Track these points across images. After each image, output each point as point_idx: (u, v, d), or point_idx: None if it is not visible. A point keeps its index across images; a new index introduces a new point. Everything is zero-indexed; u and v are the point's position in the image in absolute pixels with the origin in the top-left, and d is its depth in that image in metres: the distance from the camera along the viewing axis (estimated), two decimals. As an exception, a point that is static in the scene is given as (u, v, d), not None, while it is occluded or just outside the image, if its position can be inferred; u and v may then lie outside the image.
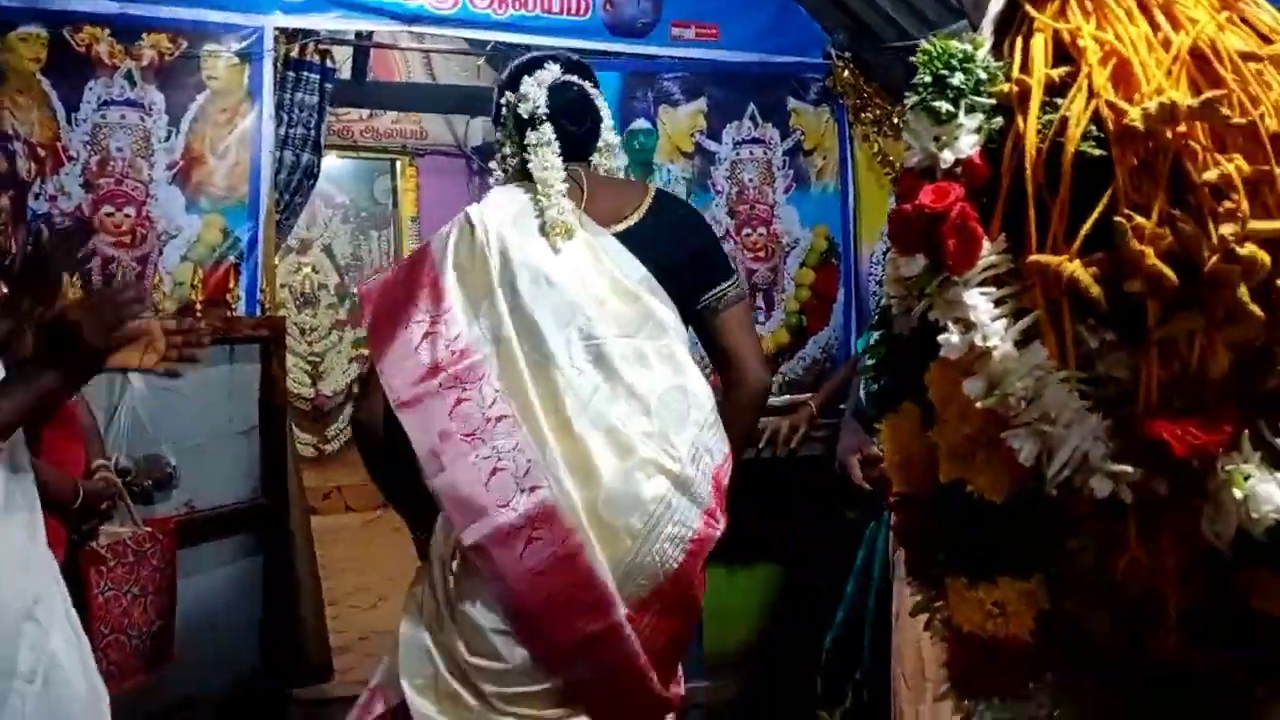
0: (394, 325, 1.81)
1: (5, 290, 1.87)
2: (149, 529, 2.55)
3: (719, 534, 1.82)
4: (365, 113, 6.04)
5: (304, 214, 3.83)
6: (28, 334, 1.98)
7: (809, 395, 3.36)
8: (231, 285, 3.36)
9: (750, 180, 3.56)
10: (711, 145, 3.54)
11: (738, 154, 3.56)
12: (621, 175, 2.06)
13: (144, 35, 3.20)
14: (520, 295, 1.76)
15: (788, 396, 3.49)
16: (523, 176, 1.92)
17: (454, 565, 1.76)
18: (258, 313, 3.39)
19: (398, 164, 6.46)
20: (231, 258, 3.35)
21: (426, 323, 1.78)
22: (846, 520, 2.85)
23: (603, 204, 1.89)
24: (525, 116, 1.90)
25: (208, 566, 3.09)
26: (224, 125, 3.32)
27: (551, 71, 1.93)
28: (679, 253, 1.89)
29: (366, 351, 7.06)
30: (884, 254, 3.52)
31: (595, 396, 1.74)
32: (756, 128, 3.56)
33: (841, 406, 2.95)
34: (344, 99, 4.27)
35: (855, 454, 2.54)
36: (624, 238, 1.86)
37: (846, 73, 3.55)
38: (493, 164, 2.03)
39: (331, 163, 6.04)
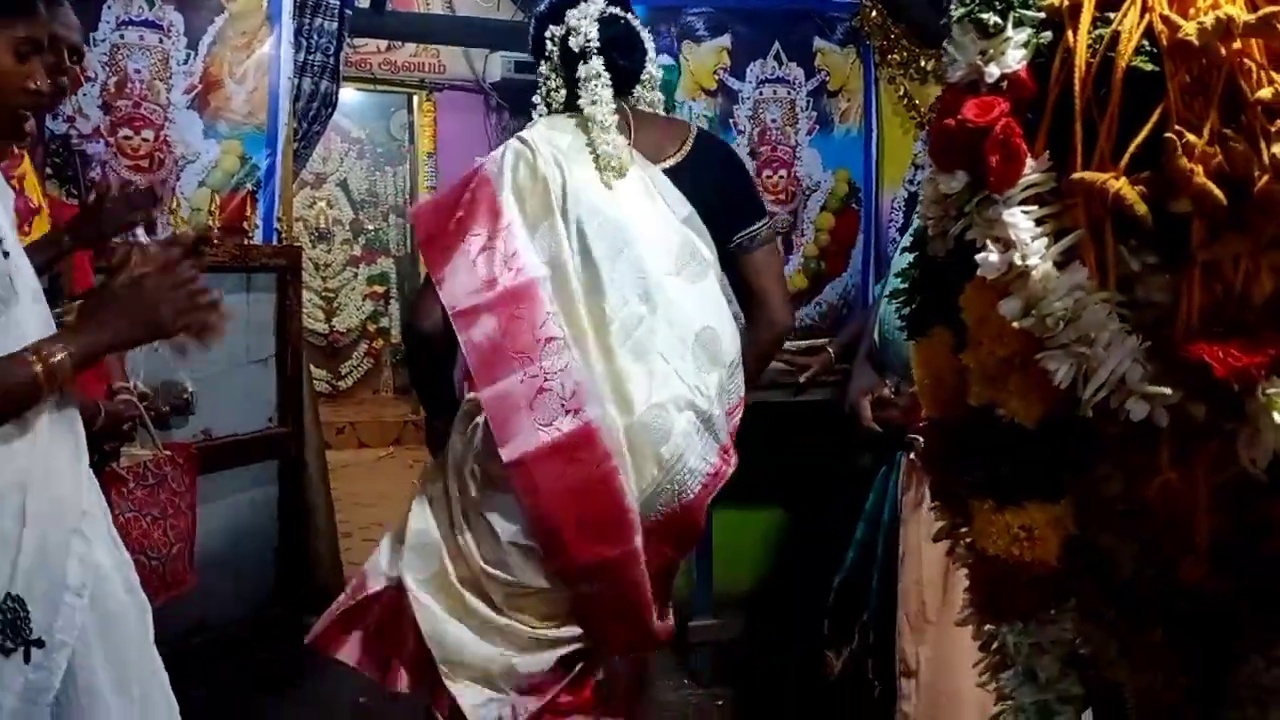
0: (451, 239, 1.83)
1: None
2: (169, 453, 2.57)
3: (731, 470, 1.89)
4: (383, 45, 5.96)
5: (319, 148, 3.81)
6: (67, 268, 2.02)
7: (826, 340, 3.35)
8: (248, 213, 3.35)
9: (773, 121, 3.50)
10: (735, 83, 3.48)
11: (761, 93, 3.50)
12: (661, 110, 2.06)
13: (163, -46, 3.16)
14: (578, 222, 1.79)
15: (805, 341, 3.47)
16: (568, 110, 1.93)
17: (475, 470, 1.79)
18: (275, 242, 3.38)
19: (414, 99, 6.39)
20: (249, 185, 3.33)
21: (484, 237, 1.80)
22: (857, 464, 2.85)
23: (648, 140, 1.91)
24: (575, 50, 1.88)
25: (223, 494, 3.12)
26: (242, 49, 3.28)
27: (596, 4, 1.92)
28: (717, 192, 1.92)
29: (383, 288, 7.10)
30: (906, 201, 3.48)
31: (639, 328, 1.78)
32: (781, 67, 3.50)
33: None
34: (362, 29, 4.22)
35: (866, 396, 2.53)
36: (670, 174, 1.89)
37: (874, 13, 3.47)
38: (535, 98, 2.01)
39: (348, 96, 5.98)
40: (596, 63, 1.86)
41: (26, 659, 1.35)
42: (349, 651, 1.89)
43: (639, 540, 1.76)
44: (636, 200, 1.83)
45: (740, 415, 1.92)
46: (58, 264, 2.08)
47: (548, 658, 1.81)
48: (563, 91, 1.93)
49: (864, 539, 2.58)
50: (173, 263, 1.44)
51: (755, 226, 1.96)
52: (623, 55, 1.90)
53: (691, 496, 1.80)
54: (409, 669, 1.83)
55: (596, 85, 1.85)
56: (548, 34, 1.95)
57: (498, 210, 1.81)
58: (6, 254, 1.40)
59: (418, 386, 2.08)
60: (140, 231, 2.11)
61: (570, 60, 1.89)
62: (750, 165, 3.50)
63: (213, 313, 1.46)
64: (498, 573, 1.77)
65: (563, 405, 1.73)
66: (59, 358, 1.34)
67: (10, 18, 1.36)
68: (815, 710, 2.91)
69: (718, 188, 1.93)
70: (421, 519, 1.85)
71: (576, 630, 1.82)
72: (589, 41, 1.87)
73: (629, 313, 1.79)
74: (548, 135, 1.87)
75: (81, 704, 1.42)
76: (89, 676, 1.42)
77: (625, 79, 1.92)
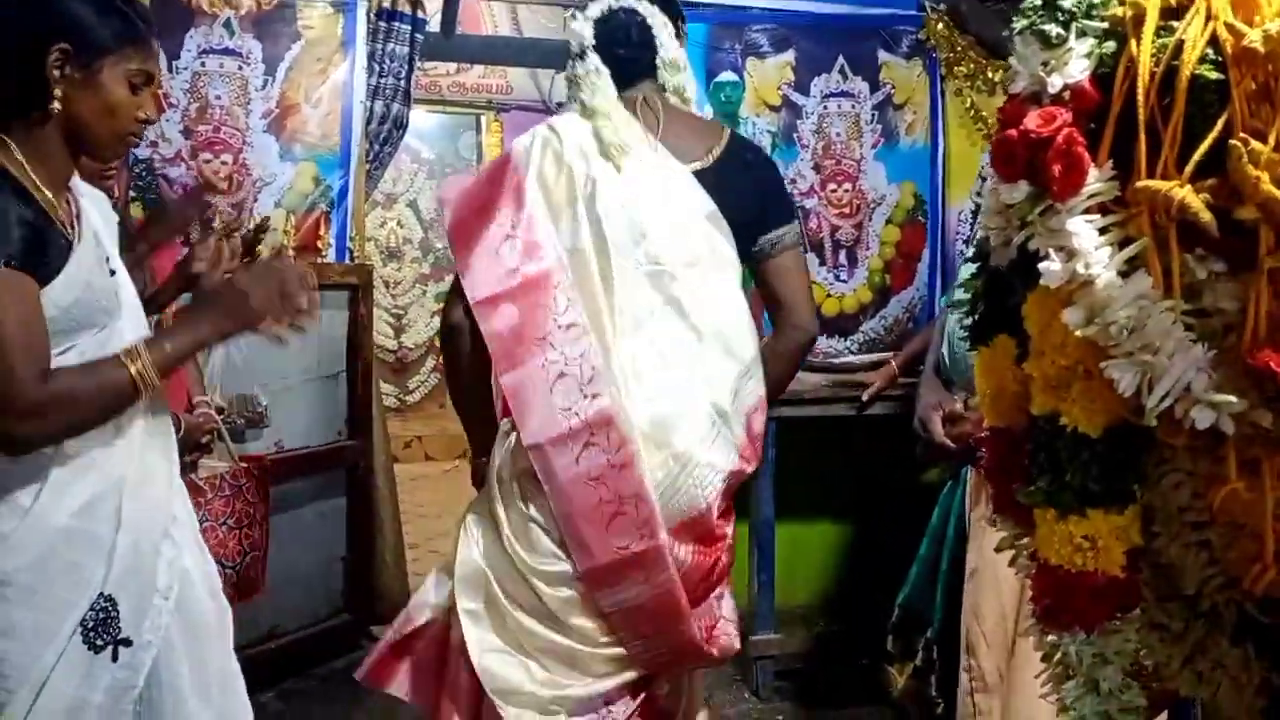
0: (476, 226, 1.85)
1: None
2: (245, 464, 2.64)
3: (750, 471, 1.87)
4: (452, 67, 6.08)
5: (389, 169, 3.91)
6: (144, 274, 2.12)
7: (891, 354, 3.34)
8: (322, 233, 3.45)
9: (837, 135, 3.51)
10: (799, 98, 3.49)
11: (825, 107, 3.51)
12: (695, 108, 2.07)
13: (242, -16, 3.28)
14: (597, 212, 1.80)
15: (870, 356, 3.46)
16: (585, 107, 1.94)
17: (517, 478, 1.79)
18: (347, 261, 3.47)
19: (483, 119, 6.50)
20: (323, 206, 3.43)
21: (507, 226, 1.82)
22: (922, 480, 2.83)
23: (679, 139, 1.90)
24: (576, 51, 1.92)
25: (294, 504, 3.20)
26: (318, 74, 3.39)
27: (599, 5, 1.94)
28: (746, 197, 1.91)
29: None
30: (973, 213, 3.45)
31: (652, 319, 1.79)
32: (845, 80, 3.51)
33: (921, 366, 2.92)
34: (431, 53, 4.31)
35: (936, 411, 2.50)
36: (697, 175, 1.88)
37: (940, 25, 3.47)
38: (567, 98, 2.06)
39: (418, 118, 6.09)
40: (591, 59, 1.88)
41: (114, 657, 1.41)
42: (399, 684, 1.89)
43: (664, 535, 1.73)
44: (655, 193, 1.84)
45: (763, 421, 1.90)
46: (141, 270, 2.17)
47: (601, 685, 1.78)
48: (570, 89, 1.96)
49: (928, 555, 2.56)
50: (268, 262, 1.52)
51: (780, 231, 1.94)
52: (618, 45, 1.90)
53: (712, 494, 1.78)
54: (457, 701, 1.81)
55: (592, 78, 1.87)
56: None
57: (522, 198, 1.83)
58: (113, 272, 1.48)
59: (462, 415, 2.06)
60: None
61: (574, 61, 1.93)
62: (814, 179, 3.51)
63: (301, 299, 1.51)
64: (545, 582, 1.75)
65: (581, 390, 1.73)
66: (155, 355, 1.41)
67: (127, 51, 1.44)
68: (878, 727, 2.90)
69: (747, 192, 1.92)
70: (467, 547, 1.83)
71: (624, 651, 1.78)
72: (583, 41, 1.90)
73: (643, 302, 1.78)
74: (578, 125, 1.88)
75: (164, 704, 1.47)
76: (172, 677, 1.48)
77: (631, 66, 1.92)
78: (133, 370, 1.38)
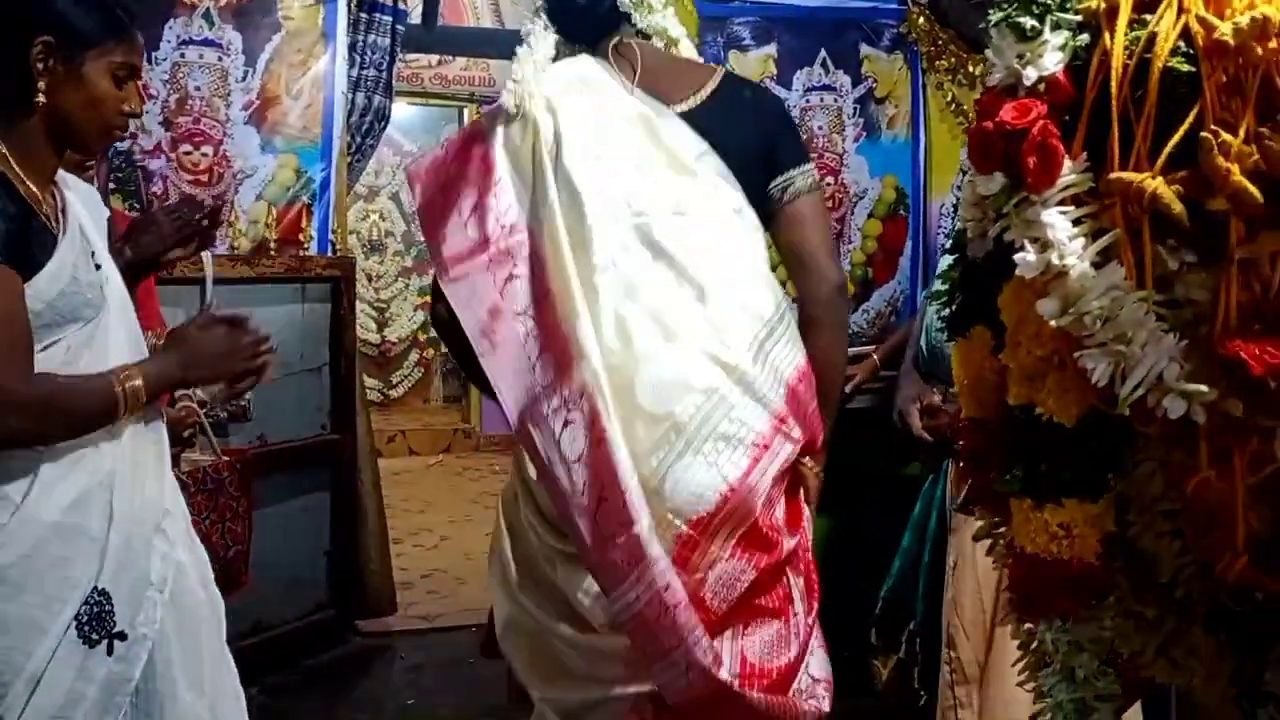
0: (444, 200, 1.71)
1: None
2: (227, 458, 2.63)
3: (797, 446, 1.60)
4: (434, 59, 6.07)
5: (371, 162, 3.89)
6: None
7: (872, 347, 3.35)
8: (304, 225, 3.43)
9: (819, 128, 3.51)
10: (781, 91, 3.48)
11: (807, 101, 3.51)
12: (685, 45, 1.88)
13: (222, -26, 3.26)
14: (567, 169, 1.64)
15: (851, 349, 3.47)
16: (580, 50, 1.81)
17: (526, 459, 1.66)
18: (329, 253, 3.46)
19: (465, 112, 6.49)
20: (304, 198, 3.41)
21: (475, 195, 1.68)
22: (904, 472, 2.84)
23: (662, 81, 1.74)
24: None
25: (277, 498, 3.19)
26: (298, 66, 3.36)
27: None
28: (746, 136, 1.72)
29: (429, 300, 7.18)
30: (954, 207, 3.46)
31: (641, 277, 1.60)
32: (827, 74, 3.51)
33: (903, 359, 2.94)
34: (414, 44, 4.30)
35: (914, 404, 2.52)
36: (686, 118, 1.71)
37: (922, 19, 3.46)
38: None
39: (400, 110, 6.09)
40: (537, 22, 1.75)
41: (110, 651, 1.41)
42: None
43: (644, 523, 1.46)
44: (637, 140, 1.68)
45: (810, 393, 1.64)
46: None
47: (600, 692, 1.59)
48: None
49: (910, 548, 2.58)
50: (242, 322, 1.57)
51: (789, 174, 1.72)
52: (570, 2, 1.76)
53: (738, 473, 1.50)
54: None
55: (532, 40, 1.73)
56: None
57: (490, 165, 1.68)
58: (99, 266, 1.48)
59: (477, 383, 1.83)
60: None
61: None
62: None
63: (267, 366, 1.60)
64: (564, 545, 1.60)
65: (558, 364, 1.56)
66: (136, 383, 1.44)
67: (110, 44, 1.44)
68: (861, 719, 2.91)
69: (748, 131, 1.73)
70: (499, 529, 1.75)
71: (625, 658, 1.54)
72: (537, 4, 1.79)
73: (629, 261, 1.60)
74: (546, 80, 1.72)
75: (158, 695, 1.48)
76: (166, 669, 1.48)
77: (587, 22, 1.77)
78: (118, 390, 1.41)
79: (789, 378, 1.60)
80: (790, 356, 1.62)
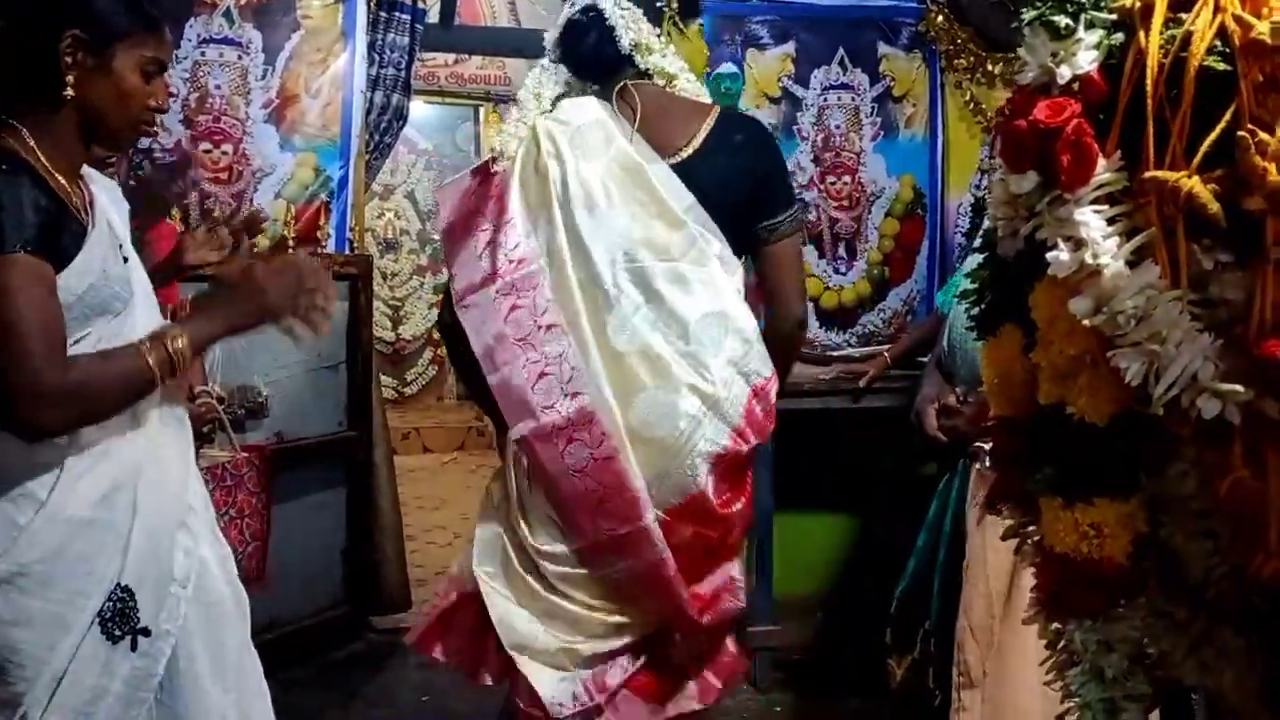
0: (464, 231, 1.93)
1: None
2: (245, 454, 2.64)
3: (746, 451, 1.90)
4: (451, 58, 6.08)
5: (387, 160, 3.91)
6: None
7: (886, 346, 3.35)
8: (322, 223, 3.44)
9: (837, 127, 3.51)
10: (798, 90, 3.49)
11: (825, 100, 3.50)
12: (683, 80, 2.03)
13: (241, -27, 3.27)
14: (572, 214, 1.85)
15: (867, 348, 3.47)
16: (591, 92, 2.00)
17: (524, 460, 1.87)
18: (346, 251, 3.47)
19: (481, 110, 6.51)
20: (323, 196, 3.42)
21: (490, 231, 1.90)
22: (921, 472, 2.84)
23: (659, 129, 1.91)
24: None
25: (294, 495, 3.20)
26: (318, 65, 3.38)
27: (567, 13, 1.99)
28: (736, 182, 1.91)
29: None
30: (972, 206, 3.46)
31: (636, 316, 1.83)
32: (845, 73, 3.51)
33: (922, 359, 2.93)
34: (431, 43, 4.31)
35: (932, 404, 2.52)
36: (681, 168, 1.89)
37: (940, 18, 3.46)
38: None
39: (417, 109, 6.09)
40: (546, 69, 1.99)
41: (134, 647, 1.41)
42: (441, 650, 1.99)
43: (649, 518, 1.80)
44: (631, 190, 1.86)
45: (769, 402, 1.92)
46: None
47: (610, 642, 1.87)
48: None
49: (925, 548, 2.57)
50: (282, 252, 1.51)
51: (777, 219, 1.93)
52: (580, 48, 1.96)
53: (703, 479, 1.83)
54: (490, 661, 1.91)
55: (538, 85, 1.97)
56: None
57: (505, 202, 1.90)
58: (126, 259, 1.48)
59: (474, 397, 2.14)
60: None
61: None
62: (814, 171, 3.51)
63: (320, 296, 1.53)
64: (550, 546, 1.85)
65: (562, 389, 1.81)
66: (179, 344, 1.41)
67: (140, 38, 1.44)
68: (876, 719, 2.90)
69: (737, 178, 1.91)
70: (486, 513, 1.95)
71: (630, 613, 1.87)
72: (551, 52, 2.01)
73: (626, 302, 1.82)
74: (558, 123, 1.92)
75: (182, 690, 1.48)
76: (190, 664, 1.49)
77: (594, 68, 1.97)
78: (151, 360, 1.39)
79: (749, 393, 1.88)
80: (758, 367, 1.89)
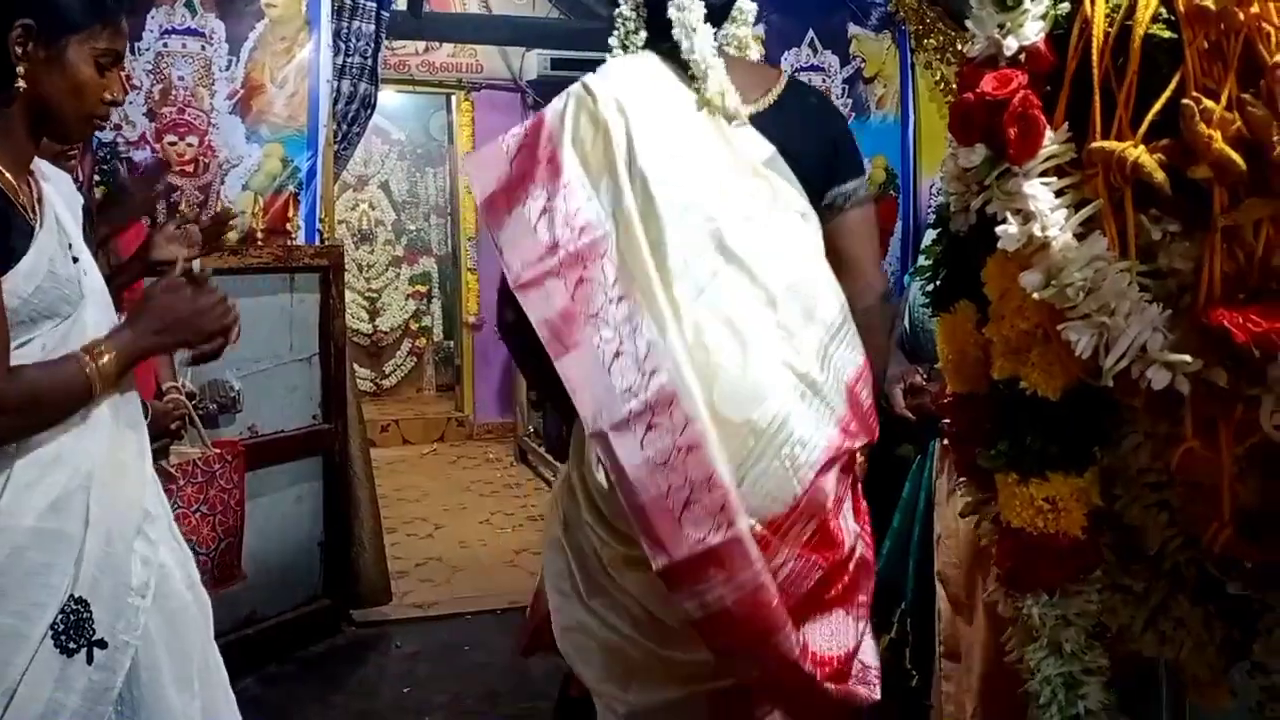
0: (509, 203, 1.67)
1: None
2: (217, 450, 2.62)
3: (857, 447, 1.61)
4: (421, 46, 6.02)
5: (360, 151, 3.86)
6: (103, 258, 2.09)
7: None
8: (291, 215, 3.41)
9: (808, 109, 3.50)
10: (768, 72, 3.48)
11: (795, 81, 3.50)
12: (754, 50, 1.88)
13: (203, -38, 3.23)
14: (641, 171, 1.62)
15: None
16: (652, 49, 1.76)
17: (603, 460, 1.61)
18: (317, 242, 3.44)
19: (453, 99, 6.44)
20: (291, 187, 3.39)
21: (543, 199, 1.65)
22: (895, 454, 2.84)
23: (732, 83, 1.69)
24: None
25: (269, 490, 3.18)
26: (282, 54, 3.33)
27: None
28: (809, 143, 1.72)
29: (425, 288, 7.23)
30: (943, 180, 3.45)
31: (713, 282, 1.58)
32: (815, 54, 3.49)
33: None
34: (399, 31, 4.27)
35: (898, 383, 2.51)
36: (753, 120, 1.69)
37: (909, -2, 3.46)
38: (611, 39, 1.86)
39: (388, 98, 6.05)
40: (627, 12, 1.74)
41: (89, 660, 1.36)
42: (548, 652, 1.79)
43: (744, 524, 1.46)
44: (708, 144, 1.66)
45: (869, 393, 1.64)
46: (105, 253, 2.14)
47: (664, 694, 1.61)
48: (642, 33, 1.78)
49: (901, 529, 2.58)
50: (204, 281, 1.49)
51: (850, 185, 1.74)
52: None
53: (811, 476, 1.51)
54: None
55: (691, 18, 1.67)
56: None
57: (559, 166, 1.66)
58: (76, 259, 1.43)
59: (550, 398, 1.82)
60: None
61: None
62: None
63: (233, 328, 1.52)
64: (630, 550, 1.58)
65: (638, 368, 1.54)
66: (106, 359, 1.38)
67: (94, 29, 1.39)
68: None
69: (811, 138, 1.73)
70: (553, 525, 1.75)
71: (704, 657, 1.54)
72: (625, 11, 1.75)
73: (701, 265, 1.58)
74: (614, 78, 1.69)
75: (144, 700, 1.43)
76: (152, 673, 1.44)
77: (715, 16, 1.72)
78: (89, 369, 1.36)
79: (848, 381, 1.61)
80: (850, 359, 1.63)
